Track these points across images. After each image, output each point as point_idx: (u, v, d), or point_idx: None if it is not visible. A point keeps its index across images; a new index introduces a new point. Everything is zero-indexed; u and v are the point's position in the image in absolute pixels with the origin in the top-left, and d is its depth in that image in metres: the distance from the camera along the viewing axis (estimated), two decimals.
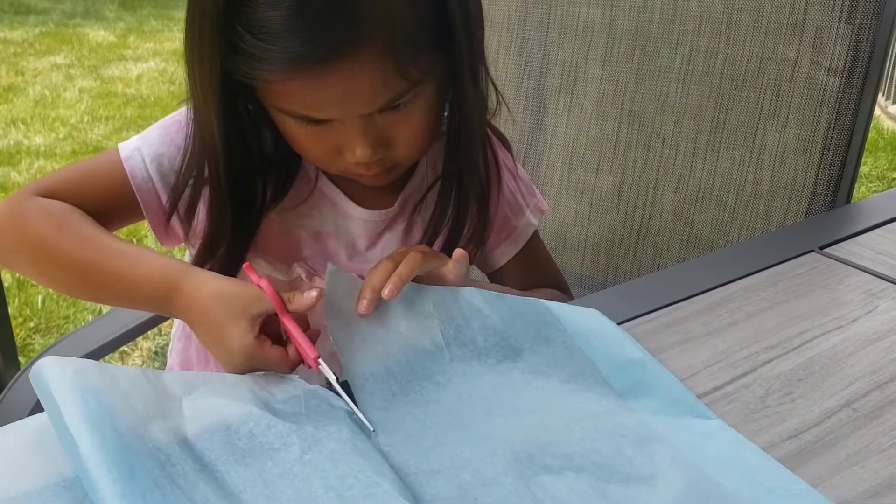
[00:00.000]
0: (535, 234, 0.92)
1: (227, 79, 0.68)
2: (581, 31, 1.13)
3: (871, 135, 3.89)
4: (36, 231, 0.73)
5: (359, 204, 0.83)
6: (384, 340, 0.65)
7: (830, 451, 0.56)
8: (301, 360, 0.64)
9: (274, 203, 0.80)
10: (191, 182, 0.77)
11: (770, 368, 0.65)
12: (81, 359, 0.59)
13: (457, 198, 0.81)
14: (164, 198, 0.78)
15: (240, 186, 0.77)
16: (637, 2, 1.08)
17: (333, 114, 0.69)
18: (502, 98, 0.84)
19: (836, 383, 0.63)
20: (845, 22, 0.96)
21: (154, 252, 0.72)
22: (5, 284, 2.53)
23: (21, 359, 2.01)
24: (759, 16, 1.01)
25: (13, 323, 2.32)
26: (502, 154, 0.88)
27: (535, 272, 0.92)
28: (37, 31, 5.94)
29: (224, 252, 0.78)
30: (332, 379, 0.61)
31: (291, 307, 0.64)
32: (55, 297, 2.59)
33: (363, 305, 0.66)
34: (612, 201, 1.14)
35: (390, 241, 0.83)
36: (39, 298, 2.57)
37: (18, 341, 2.39)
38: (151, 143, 0.79)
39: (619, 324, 0.71)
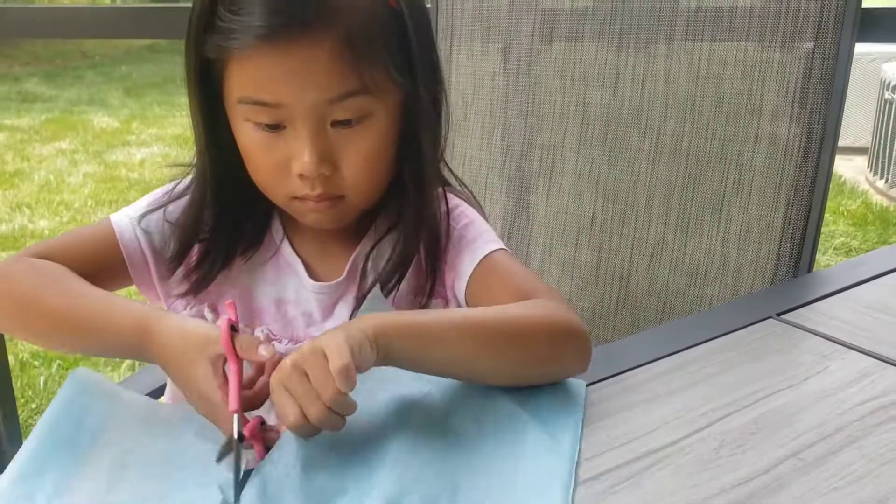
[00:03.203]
0: (503, 255, 0.85)
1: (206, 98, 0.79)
2: (558, 118, 1.21)
3: (861, 209, 3.99)
4: (20, 284, 0.79)
5: (311, 276, 0.87)
6: None
7: (776, 496, 0.62)
8: (252, 431, 0.64)
9: (244, 253, 0.87)
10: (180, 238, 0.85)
11: (725, 423, 0.71)
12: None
13: (402, 247, 0.84)
14: (148, 255, 0.86)
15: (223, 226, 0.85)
16: (608, 91, 1.17)
17: (286, 96, 0.74)
18: (451, 171, 0.91)
19: (786, 435, 0.69)
20: (798, 106, 1.05)
21: (129, 299, 0.76)
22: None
23: (24, 439, 2.05)
24: (720, 101, 1.10)
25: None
26: (465, 209, 0.90)
27: (511, 288, 0.82)
28: (43, 118, 6.11)
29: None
30: (234, 435, 0.63)
31: (241, 353, 0.67)
32: (56, 377, 2.63)
33: None
34: (592, 274, 1.21)
35: (342, 310, 0.86)
36: (41, 379, 2.61)
37: (20, 422, 2.43)
38: (139, 208, 0.87)
39: (588, 385, 0.77)
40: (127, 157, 5.13)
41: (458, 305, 0.85)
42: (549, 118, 1.22)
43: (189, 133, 0.84)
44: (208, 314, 0.88)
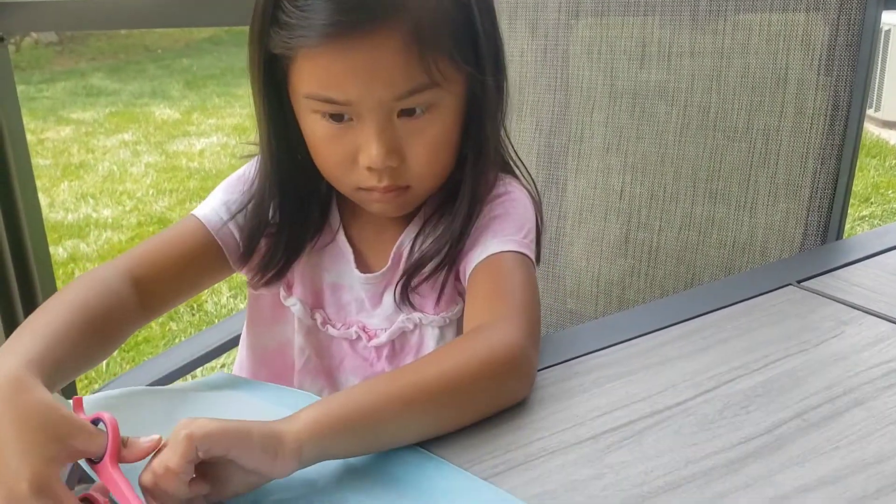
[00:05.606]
0: (508, 261, 0.81)
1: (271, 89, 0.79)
2: (586, 92, 1.22)
3: None
4: (45, 305, 0.73)
5: (362, 264, 0.89)
6: None
7: (776, 454, 0.62)
8: None
9: (312, 239, 0.88)
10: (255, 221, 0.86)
11: (731, 386, 0.72)
12: None
13: (453, 225, 0.83)
14: (238, 238, 0.86)
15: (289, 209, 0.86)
16: (634, 64, 1.17)
17: (354, 94, 0.74)
18: (514, 150, 0.91)
19: (792, 397, 0.69)
20: (824, 74, 1.04)
21: (38, 340, 0.65)
22: None
23: None
24: (745, 71, 1.09)
25: (78, 385, 2.44)
26: (506, 200, 0.87)
27: (487, 298, 0.80)
28: (107, 111, 6.27)
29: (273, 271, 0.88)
30: None
31: (126, 452, 0.57)
32: (119, 360, 2.73)
33: None
34: (621, 248, 1.22)
35: (389, 298, 0.87)
36: (104, 362, 2.71)
37: None
38: (217, 196, 0.88)
39: (599, 350, 0.79)
40: (187, 148, 5.24)
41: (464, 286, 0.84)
42: (577, 93, 1.23)
43: (247, 123, 0.86)
44: (283, 292, 0.91)
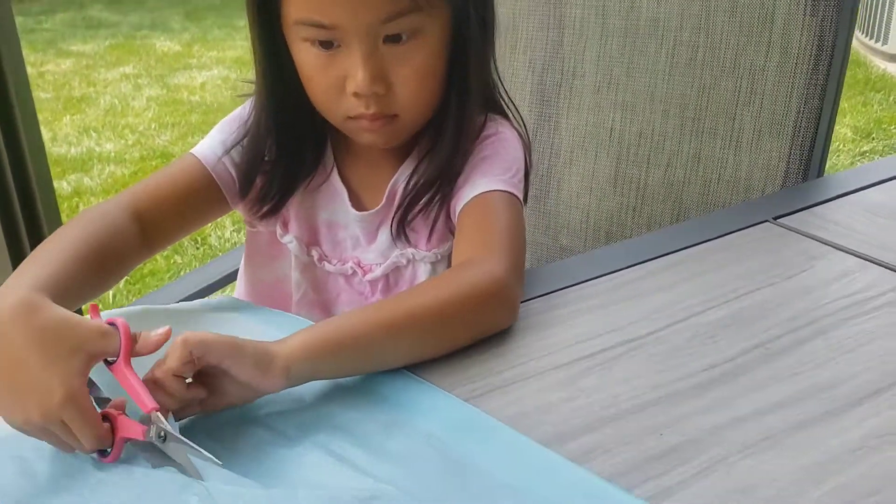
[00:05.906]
0: (497, 200, 0.84)
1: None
2: (578, 30, 1.24)
3: None
4: (54, 234, 0.77)
5: (356, 203, 0.92)
6: None
7: (736, 381, 0.67)
8: (110, 442, 0.59)
9: (306, 178, 0.92)
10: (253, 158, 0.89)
11: (702, 317, 0.76)
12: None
13: (436, 164, 0.87)
14: (234, 176, 0.89)
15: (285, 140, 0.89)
16: (625, 3, 1.18)
17: (341, 17, 0.76)
18: (505, 92, 0.94)
19: (758, 328, 0.74)
20: (809, 15, 1.06)
21: (43, 268, 0.68)
22: None
23: None
24: (733, 10, 1.11)
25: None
26: (496, 140, 0.90)
27: (475, 237, 0.83)
28: (107, 43, 6.22)
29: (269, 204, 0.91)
30: (173, 430, 0.58)
31: (138, 346, 0.61)
32: (124, 291, 2.78)
33: None
34: (609, 185, 1.25)
35: (384, 234, 0.91)
36: (110, 293, 2.76)
37: None
38: (213, 136, 0.91)
39: (581, 283, 0.83)
40: (188, 81, 5.22)
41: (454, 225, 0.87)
42: (569, 31, 1.24)
43: (248, 56, 0.88)
44: (279, 230, 0.95)
